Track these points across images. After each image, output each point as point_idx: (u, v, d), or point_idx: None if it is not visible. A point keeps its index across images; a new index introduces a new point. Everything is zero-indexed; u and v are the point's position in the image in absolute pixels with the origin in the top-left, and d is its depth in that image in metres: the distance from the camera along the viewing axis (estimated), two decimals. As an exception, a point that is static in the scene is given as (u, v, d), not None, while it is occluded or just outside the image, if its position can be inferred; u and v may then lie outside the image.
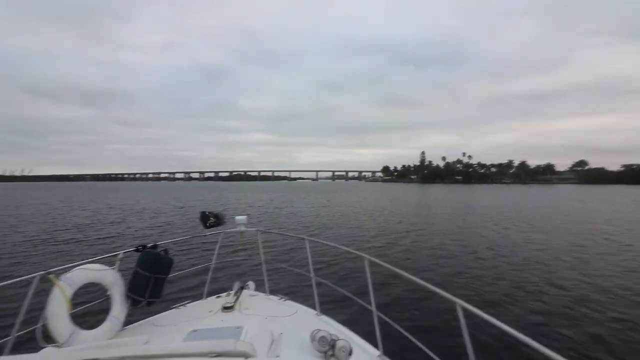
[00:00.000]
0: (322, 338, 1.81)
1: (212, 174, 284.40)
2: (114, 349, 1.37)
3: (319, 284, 3.16)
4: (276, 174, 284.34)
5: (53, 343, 2.06)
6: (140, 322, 2.66)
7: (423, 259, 8.51)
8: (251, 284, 3.31)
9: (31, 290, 2.16)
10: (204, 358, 1.24)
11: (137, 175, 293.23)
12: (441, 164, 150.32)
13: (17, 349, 2.05)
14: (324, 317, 2.74)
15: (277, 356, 1.65)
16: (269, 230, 4.46)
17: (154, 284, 2.61)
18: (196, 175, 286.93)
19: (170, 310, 2.86)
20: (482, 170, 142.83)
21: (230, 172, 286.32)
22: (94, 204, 28.14)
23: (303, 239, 3.36)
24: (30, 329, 2.13)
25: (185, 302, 3.03)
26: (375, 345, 2.25)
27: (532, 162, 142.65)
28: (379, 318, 2.47)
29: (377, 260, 2.72)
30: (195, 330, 2.22)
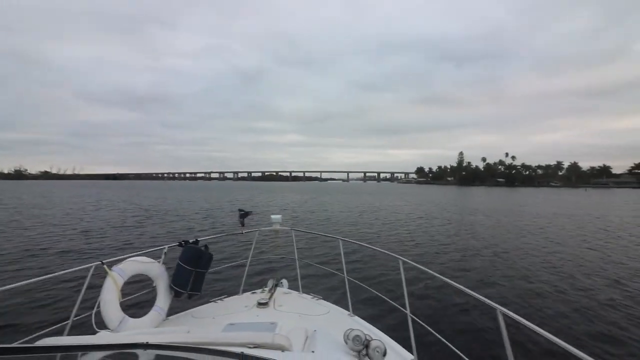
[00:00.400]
0: (356, 337, 1.81)
1: (245, 174, 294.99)
2: (159, 336, 1.48)
3: (352, 285, 3.17)
4: (307, 174, 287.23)
5: (105, 328, 2.29)
6: (181, 313, 2.85)
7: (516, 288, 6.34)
8: (285, 281, 3.41)
9: (87, 279, 2.42)
10: (242, 348, 1.30)
11: (176, 175, 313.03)
12: (481, 165, 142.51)
13: (74, 331, 2.31)
14: (357, 318, 2.75)
15: (312, 351, 1.68)
16: (303, 230, 4.57)
17: (195, 277, 2.78)
18: (230, 175, 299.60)
19: (209, 304, 3.03)
20: (527, 172, 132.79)
21: (263, 172, 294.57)
22: (121, 203, 27.75)
23: (336, 239, 3.39)
24: (86, 314, 2.38)
25: (223, 296, 3.20)
26: (409, 349, 2.23)
27: (585, 164, 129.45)
28: (413, 321, 2.44)
29: (412, 262, 2.68)
30: (232, 324, 2.33)
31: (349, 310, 2.87)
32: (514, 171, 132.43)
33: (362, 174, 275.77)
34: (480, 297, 1.98)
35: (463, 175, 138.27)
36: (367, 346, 1.78)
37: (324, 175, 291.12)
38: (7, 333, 4.09)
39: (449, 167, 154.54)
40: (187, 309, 2.90)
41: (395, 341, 2.34)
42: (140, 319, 2.49)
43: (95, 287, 2.43)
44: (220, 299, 3.13)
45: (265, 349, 1.35)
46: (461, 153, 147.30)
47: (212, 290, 3.99)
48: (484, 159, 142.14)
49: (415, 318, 2.52)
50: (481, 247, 10.39)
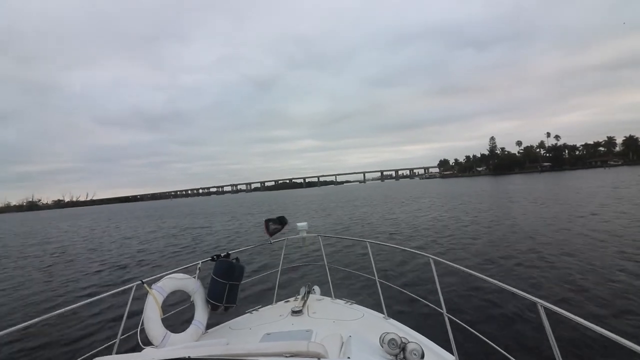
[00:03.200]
0: (392, 341, 1.90)
1: (258, 185, 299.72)
2: (200, 350, 1.61)
3: (384, 287, 3.34)
4: (322, 179, 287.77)
5: (150, 345, 2.58)
6: (219, 326, 3.13)
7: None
8: (317, 288, 3.63)
9: (130, 299, 2.75)
10: (279, 358, 1.40)
11: (189, 192, 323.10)
12: (515, 150, 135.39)
13: (122, 349, 2.61)
14: (392, 321, 2.90)
15: (348, 357, 1.76)
16: (330, 235, 4.79)
17: (229, 290, 3.04)
18: (243, 187, 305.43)
19: (245, 315, 3.30)
20: (577, 153, 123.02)
21: (276, 180, 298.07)
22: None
23: (364, 241, 3.58)
24: (132, 332, 2.69)
25: (258, 306, 3.46)
26: (449, 350, 2.32)
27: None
28: (451, 321, 2.51)
29: (444, 260, 2.80)
30: (268, 334, 2.56)
31: (383, 313, 3.02)
32: (556, 152, 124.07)
33: (380, 173, 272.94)
34: (519, 291, 2.04)
35: (497, 163, 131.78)
36: (403, 349, 1.85)
37: (339, 178, 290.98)
38: (62, 355, 4.58)
39: (478, 156, 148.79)
40: (224, 321, 3.18)
41: (434, 342, 2.46)
42: (181, 334, 2.77)
43: (138, 306, 2.76)
44: (256, 310, 3.39)
45: (301, 357, 1.44)
46: (492, 138, 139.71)
47: (247, 301, 4.26)
48: (519, 143, 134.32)
49: (453, 317, 2.58)
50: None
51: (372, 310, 3.11)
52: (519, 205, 20.06)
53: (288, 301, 3.45)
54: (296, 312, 2.99)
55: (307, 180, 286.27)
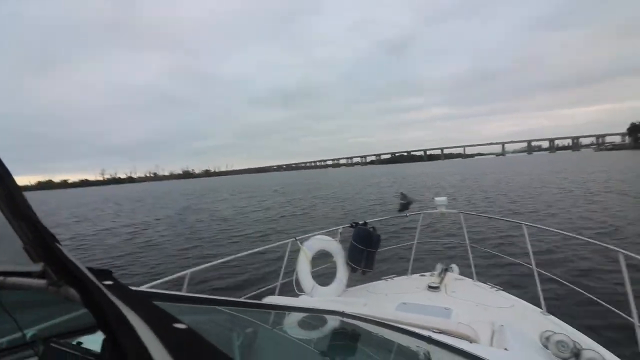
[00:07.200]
0: (561, 342, 1.64)
1: (373, 158, 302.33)
2: (344, 306, 1.68)
3: (543, 278, 2.97)
4: (446, 151, 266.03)
5: (302, 292, 3.06)
6: (358, 286, 3.47)
7: None
8: (455, 267, 3.54)
9: (287, 252, 3.31)
10: (425, 331, 1.34)
11: (308, 164, 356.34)
12: None
13: (281, 292, 3.19)
14: (553, 318, 2.57)
15: (505, 349, 1.60)
16: (474, 213, 4.45)
17: (367, 256, 3.31)
18: (358, 160, 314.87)
19: (380, 281, 3.55)
20: None
21: (393, 153, 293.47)
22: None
23: (519, 223, 3.21)
24: (288, 279, 3.24)
25: (392, 275, 3.66)
26: None
27: None
28: None
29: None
30: (404, 303, 2.67)
31: (540, 308, 2.71)
32: None
33: (526, 144, 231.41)
34: None
35: None
36: (577, 355, 1.61)
37: (469, 150, 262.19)
38: (235, 289, 6.08)
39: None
40: (361, 284, 3.50)
41: (619, 358, 2.05)
42: (326, 287, 3.22)
43: (290, 259, 3.29)
44: (391, 278, 3.59)
45: (449, 336, 1.37)
46: None
47: (382, 269, 4.52)
48: None
49: None
50: None
51: (524, 302, 2.83)
52: None
53: (424, 275, 3.51)
54: (433, 288, 3.01)
55: (427, 152, 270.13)
